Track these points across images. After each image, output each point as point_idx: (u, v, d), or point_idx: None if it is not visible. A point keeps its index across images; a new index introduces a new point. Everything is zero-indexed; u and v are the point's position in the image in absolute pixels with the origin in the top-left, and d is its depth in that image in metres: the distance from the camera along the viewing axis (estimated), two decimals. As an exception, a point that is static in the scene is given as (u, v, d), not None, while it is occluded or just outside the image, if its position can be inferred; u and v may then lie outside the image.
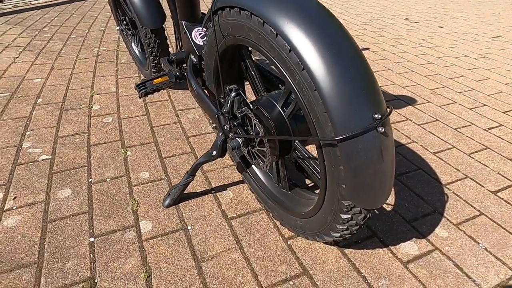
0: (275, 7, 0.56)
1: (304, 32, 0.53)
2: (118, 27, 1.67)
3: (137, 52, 1.70)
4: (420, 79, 1.88)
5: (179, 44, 1.13)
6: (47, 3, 3.38)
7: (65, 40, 2.32)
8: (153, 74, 1.54)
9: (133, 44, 1.71)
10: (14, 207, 0.95)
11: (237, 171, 1.11)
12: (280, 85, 0.82)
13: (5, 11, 3.03)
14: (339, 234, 0.67)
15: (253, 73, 0.79)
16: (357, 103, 0.51)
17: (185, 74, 0.98)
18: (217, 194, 1.02)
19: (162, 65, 1.13)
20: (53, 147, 1.21)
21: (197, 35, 0.93)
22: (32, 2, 3.42)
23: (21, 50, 2.11)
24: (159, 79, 0.99)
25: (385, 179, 0.55)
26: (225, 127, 0.78)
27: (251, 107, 0.71)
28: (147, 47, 1.41)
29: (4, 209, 0.94)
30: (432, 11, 3.60)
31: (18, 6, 3.24)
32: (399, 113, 1.51)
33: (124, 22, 1.56)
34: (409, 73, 1.95)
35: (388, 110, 0.54)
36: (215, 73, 0.84)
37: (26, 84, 1.67)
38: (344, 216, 0.62)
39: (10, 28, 2.53)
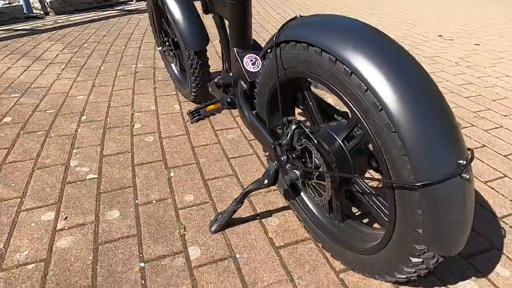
0: (350, 45, 0.55)
1: (382, 72, 0.52)
2: (160, 48, 1.72)
3: (176, 71, 1.73)
4: (462, 100, 1.83)
5: (225, 67, 1.14)
6: (85, 20, 3.53)
7: (103, 56, 2.41)
8: (193, 94, 1.56)
9: (172, 64, 1.75)
10: (66, 228, 0.97)
11: (282, 196, 1.10)
12: (335, 116, 0.80)
13: (47, 27, 3.19)
14: (404, 276, 0.64)
15: (311, 103, 0.78)
16: (441, 147, 0.49)
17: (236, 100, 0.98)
18: (263, 220, 1.01)
19: (210, 90, 1.14)
20: (99, 166, 1.24)
21: (249, 62, 0.94)
22: (71, 18, 3.58)
23: (63, 66, 2.20)
24: (212, 106, 1.00)
25: (466, 225, 0.52)
26: (282, 158, 0.77)
27: (313, 141, 0.70)
28: (189, 68, 1.44)
29: (57, 229, 0.97)
30: (466, 27, 3.51)
31: (59, 23, 3.40)
32: (443, 137, 1.47)
33: (167, 43, 1.60)
34: (449, 94, 1.90)
35: (470, 154, 0.51)
36: (269, 102, 0.84)
37: (70, 101, 1.73)
38: (414, 260, 0.59)
39: (52, 45, 2.65)
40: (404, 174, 0.52)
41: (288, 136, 0.74)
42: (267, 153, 0.85)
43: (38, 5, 3.75)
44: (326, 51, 0.58)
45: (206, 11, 1.07)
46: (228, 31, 0.98)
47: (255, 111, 0.94)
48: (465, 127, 1.56)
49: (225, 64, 1.13)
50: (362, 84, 0.53)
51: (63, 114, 1.60)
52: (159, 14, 1.51)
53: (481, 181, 1.21)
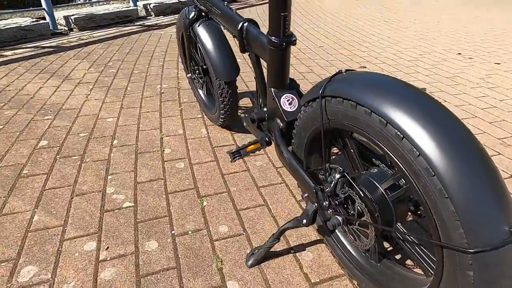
0: (401, 110, 0.58)
1: (434, 139, 0.54)
2: (189, 75, 1.77)
3: (203, 96, 1.78)
4: (486, 126, 1.83)
5: (259, 102, 1.18)
6: (108, 36, 3.63)
7: (129, 76, 2.48)
8: (220, 120, 1.61)
9: (199, 89, 1.80)
10: (108, 258, 1.01)
11: (315, 230, 1.12)
12: (374, 159, 0.83)
13: (72, 43, 3.30)
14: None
15: (352, 151, 0.81)
16: (494, 213, 0.51)
17: (273, 138, 1.02)
18: (297, 254, 1.04)
19: (245, 124, 1.18)
20: (134, 194, 1.28)
21: (286, 102, 0.98)
22: (94, 35, 3.70)
23: (91, 87, 2.27)
24: (252, 147, 1.04)
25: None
26: (323, 202, 0.80)
27: (358, 191, 0.73)
28: (218, 96, 1.48)
29: (99, 259, 1.01)
30: (485, 44, 3.50)
31: (83, 39, 3.51)
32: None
33: (197, 71, 1.65)
34: (472, 119, 1.90)
35: (521, 218, 0.53)
36: (308, 145, 0.87)
37: (100, 124, 1.79)
38: (461, 314, 0.60)
39: (79, 63, 2.75)
40: (455, 237, 0.54)
41: (332, 184, 0.77)
42: (305, 194, 0.87)
43: (62, 21, 3.89)
44: (376, 113, 0.61)
45: (243, 51, 1.11)
46: (265, 71, 1.01)
47: (291, 147, 0.97)
48: (492, 156, 1.56)
49: (259, 99, 1.17)
50: (414, 149, 0.56)
51: (95, 137, 1.66)
52: (190, 43, 1.57)
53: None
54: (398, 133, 0.58)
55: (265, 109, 1.13)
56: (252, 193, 1.29)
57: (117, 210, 1.20)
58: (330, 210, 0.79)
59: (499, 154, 1.58)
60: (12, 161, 1.46)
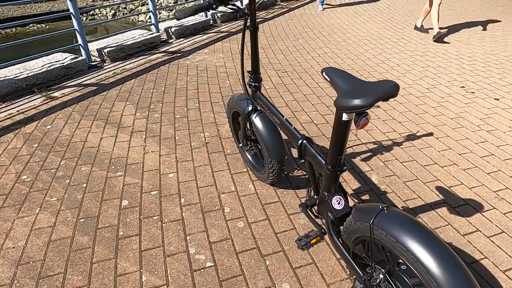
0: (422, 250, 0.95)
1: (439, 268, 0.91)
2: (240, 145, 2.14)
3: (251, 159, 2.15)
4: (484, 177, 2.19)
5: (309, 190, 1.55)
6: (138, 68, 3.96)
7: (172, 121, 2.84)
8: (268, 182, 1.98)
9: (247, 153, 2.16)
10: (208, 313, 1.41)
11: None
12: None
13: (110, 79, 3.64)
14: None
15: (389, 253, 1.19)
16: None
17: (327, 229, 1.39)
18: (343, 308, 1.43)
19: (301, 209, 1.55)
20: (211, 254, 1.67)
21: (336, 203, 1.34)
22: (126, 67, 4.03)
23: (144, 136, 2.64)
24: (315, 240, 1.41)
25: None
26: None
27: (394, 286, 1.10)
28: (269, 168, 1.86)
29: (202, 315, 1.41)
30: (486, 73, 3.81)
31: (118, 73, 3.85)
32: (469, 222, 1.85)
33: (249, 144, 2.03)
34: (473, 169, 2.27)
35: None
36: (354, 242, 1.25)
37: (164, 180, 2.17)
38: None
39: (125, 106, 3.10)
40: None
41: (377, 281, 1.14)
42: (353, 276, 1.25)
43: (95, 53, 4.22)
44: (407, 250, 0.98)
45: (301, 157, 1.47)
46: (322, 180, 1.37)
47: (341, 237, 1.35)
48: (487, 210, 1.93)
49: (310, 189, 1.54)
50: (426, 271, 0.93)
51: (164, 195, 2.04)
52: (246, 126, 1.93)
53: (501, 270, 1.59)
54: (419, 261, 0.95)
55: (315, 197, 1.51)
56: (302, 252, 1.68)
57: (202, 270, 1.59)
58: (374, 293, 1.17)
59: (494, 208, 1.95)
60: (107, 222, 1.85)
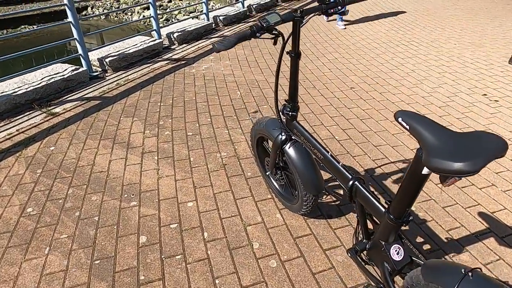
0: None
1: None
2: (269, 172, 1.97)
3: (279, 188, 1.98)
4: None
5: (357, 233, 1.39)
6: (142, 78, 3.76)
7: (185, 139, 2.66)
8: (300, 213, 1.82)
9: (276, 184, 1.99)
10: None
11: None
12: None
13: (114, 92, 3.44)
14: None
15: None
16: None
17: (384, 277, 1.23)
18: None
19: (349, 255, 1.39)
20: (245, 301, 1.50)
21: (394, 253, 1.19)
22: (129, 77, 3.83)
23: (156, 158, 2.46)
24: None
25: None
26: None
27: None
28: (303, 200, 1.69)
29: None
30: (506, 79, 3.68)
31: (121, 85, 3.66)
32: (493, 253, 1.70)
33: (278, 173, 1.86)
34: (500, 212, 2.12)
35: None
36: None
37: (183, 211, 1.99)
38: None
39: (132, 123, 2.91)
40: None
41: None
42: None
43: (96, 62, 4.01)
44: None
45: (350, 199, 1.31)
46: (381, 227, 1.21)
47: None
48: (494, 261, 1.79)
49: (358, 232, 1.38)
50: None
51: (185, 229, 1.86)
52: (278, 156, 1.76)
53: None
54: None
55: (364, 241, 1.35)
56: (345, 296, 1.52)
57: (238, 322, 1.43)
58: None
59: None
60: (125, 264, 1.68)
